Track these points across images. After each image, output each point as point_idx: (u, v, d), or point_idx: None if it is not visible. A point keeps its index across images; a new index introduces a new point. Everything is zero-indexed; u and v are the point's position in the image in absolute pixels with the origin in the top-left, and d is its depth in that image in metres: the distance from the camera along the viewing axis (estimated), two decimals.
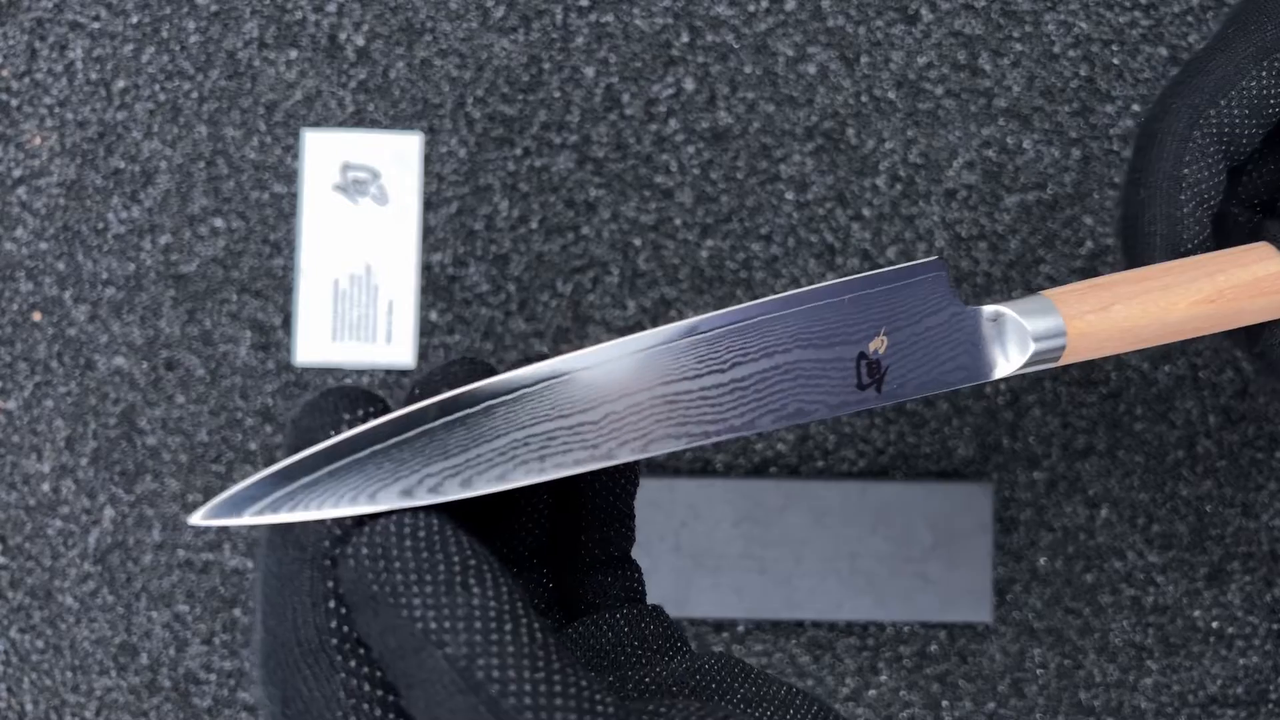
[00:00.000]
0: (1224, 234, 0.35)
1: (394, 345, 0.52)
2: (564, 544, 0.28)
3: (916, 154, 0.52)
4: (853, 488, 0.50)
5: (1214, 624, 0.52)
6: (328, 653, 0.22)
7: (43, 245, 0.52)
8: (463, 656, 0.20)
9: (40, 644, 0.51)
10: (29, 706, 0.51)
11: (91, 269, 0.52)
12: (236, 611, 0.51)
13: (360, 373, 0.52)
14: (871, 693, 0.52)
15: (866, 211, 0.52)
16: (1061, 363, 0.29)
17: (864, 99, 0.52)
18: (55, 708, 0.51)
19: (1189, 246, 0.33)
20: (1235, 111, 0.33)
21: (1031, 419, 0.52)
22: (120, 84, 0.52)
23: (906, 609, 0.50)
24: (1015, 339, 0.28)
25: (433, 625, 0.21)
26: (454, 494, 0.23)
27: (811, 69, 0.52)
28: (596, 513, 0.27)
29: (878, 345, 0.26)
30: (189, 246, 0.52)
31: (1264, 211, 0.36)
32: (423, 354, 0.52)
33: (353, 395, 0.24)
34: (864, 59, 0.52)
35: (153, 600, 0.51)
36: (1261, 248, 0.32)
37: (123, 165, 0.52)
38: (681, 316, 0.52)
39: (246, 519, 0.23)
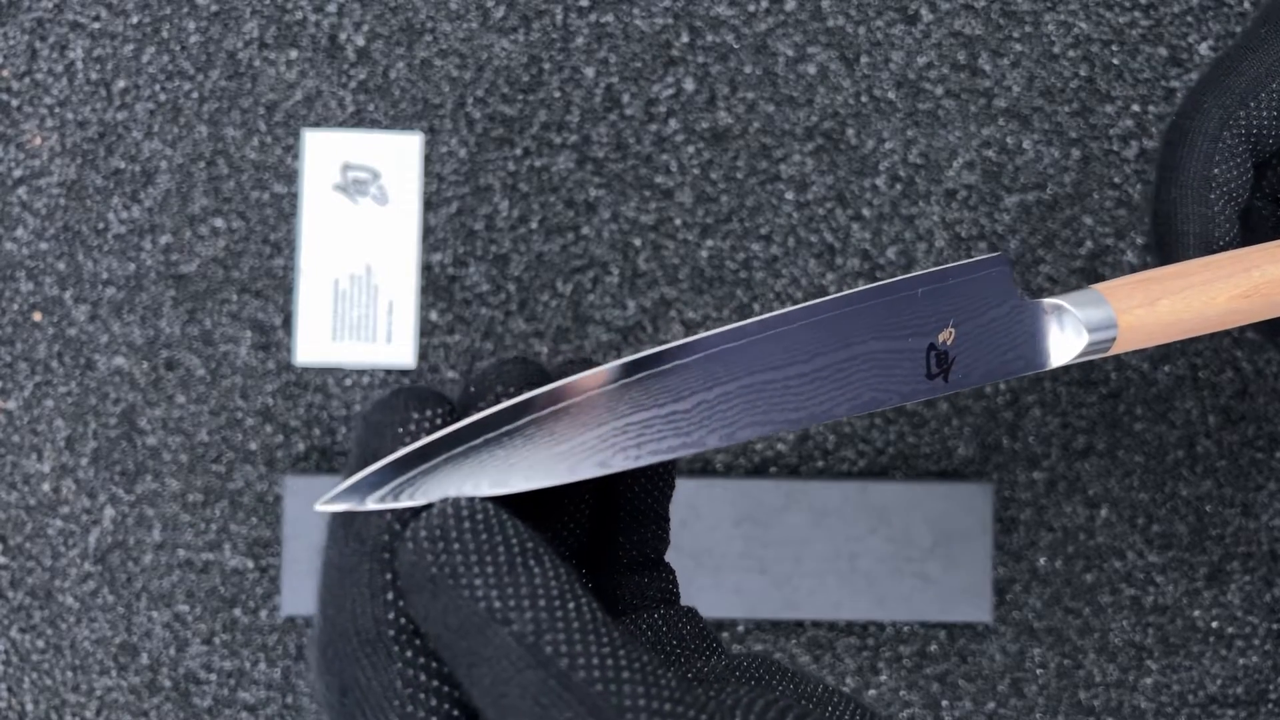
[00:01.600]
0: (1250, 228, 0.36)
1: (394, 345, 0.52)
2: (601, 546, 0.28)
3: (916, 154, 0.52)
4: (852, 488, 0.50)
5: (1214, 624, 0.52)
6: (385, 643, 0.22)
7: (43, 245, 0.52)
8: (529, 633, 0.21)
9: (41, 644, 0.51)
10: (29, 706, 0.51)
11: (92, 269, 0.52)
12: (237, 611, 0.51)
13: (360, 373, 0.52)
14: (871, 692, 0.52)
15: (866, 211, 0.52)
16: (1110, 353, 0.30)
17: (864, 99, 0.52)
18: (55, 707, 0.51)
19: (1221, 244, 0.34)
20: (1265, 113, 0.34)
21: (1031, 419, 0.52)
22: (120, 84, 0.52)
23: (906, 609, 0.50)
24: (1071, 331, 0.29)
25: (496, 604, 0.21)
26: (560, 479, 0.24)
27: (811, 69, 0.52)
28: (634, 515, 0.28)
29: (946, 336, 0.28)
30: (189, 246, 0.52)
31: None
32: (423, 354, 0.52)
33: (422, 395, 0.25)
34: (864, 59, 0.52)
35: (153, 600, 0.51)
36: None
37: (123, 165, 0.52)
38: (681, 317, 0.52)
39: (370, 505, 0.24)
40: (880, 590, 0.50)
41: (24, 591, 0.51)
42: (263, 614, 0.51)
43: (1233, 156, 0.34)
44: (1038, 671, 0.52)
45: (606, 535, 0.28)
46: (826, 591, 0.50)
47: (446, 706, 0.22)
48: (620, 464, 0.25)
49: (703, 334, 0.26)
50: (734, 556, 0.50)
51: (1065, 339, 0.29)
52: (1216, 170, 0.34)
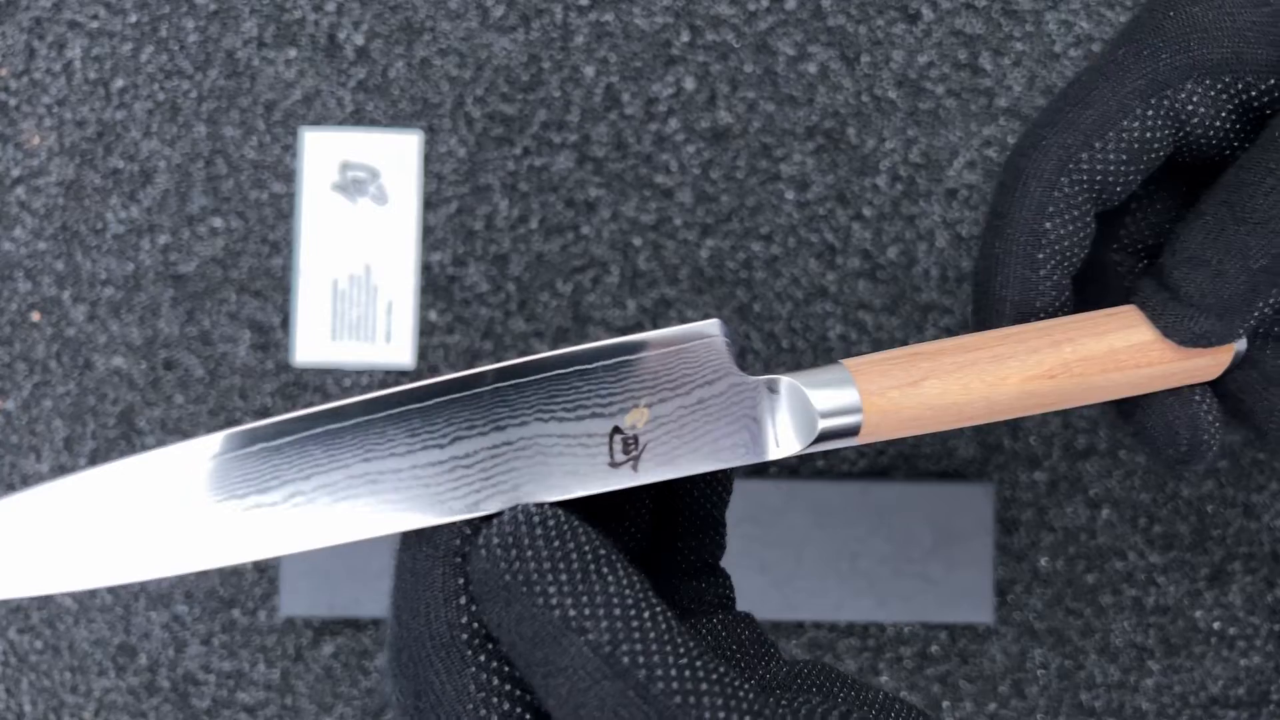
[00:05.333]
0: (1103, 285, 0.31)
1: (393, 345, 0.52)
2: (660, 551, 0.28)
3: (917, 153, 0.52)
4: (853, 488, 0.50)
5: (1215, 625, 0.52)
6: (459, 647, 0.22)
7: (41, 245, 0.52)
8: (605, 643, 0.21)
9: (39, 645, 0.51)
10: (27, 707, 0.51)
11: (90, 269, 0.52)
12: (235, 612, 0.51)
13: (360, 373, 0.52)
14: None
15: (867, 211, 0.52)
16: (861, 441, 0.26)
17: (865, 98, 0.52)
18: (54, 708, 0.51)
19: (1044, 314, 0.29)
20: (1111, 157, 0.28)
21: (1032, 419, 0.52)
22: (119, 83, 0.52)
23: (907, 610, 0.50)
24: (801, 416, 0.25)
25: (571, 612, 0.21)
26: (118, 581, 0.23)
27: (812, 68, 0.52)
28: (693, 520, 0.27)
29: (636, 418, 0.24)
30: (188, 246, 0.52)
31: (1149, 257, 0.31)
32: (422, 354, 0.52)
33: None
34: (865, 58, 0.52)
35: (151, 601, 0.51)
36: (1127, 312, 0.28)
37: (121, 165, 0.52)
38: (682, 316, 0.52)
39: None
40: (881, 591, 0.50)
41: None
42: (261, 615, 0.51)
43: (1070, 208, 0.28)
44: (1039, 672, 0.52)
45: (666, 541, 0.28)
46: (827, 592, 0.50)
47: (519, 710, 0.22)
48: (187, 569, 0.23)
49: (302, 411, 0.23)
50: (734, 557, 0.50)
51: (794, 425, 0.25)
52: (1048, 225, 0.28)
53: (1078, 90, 0.29)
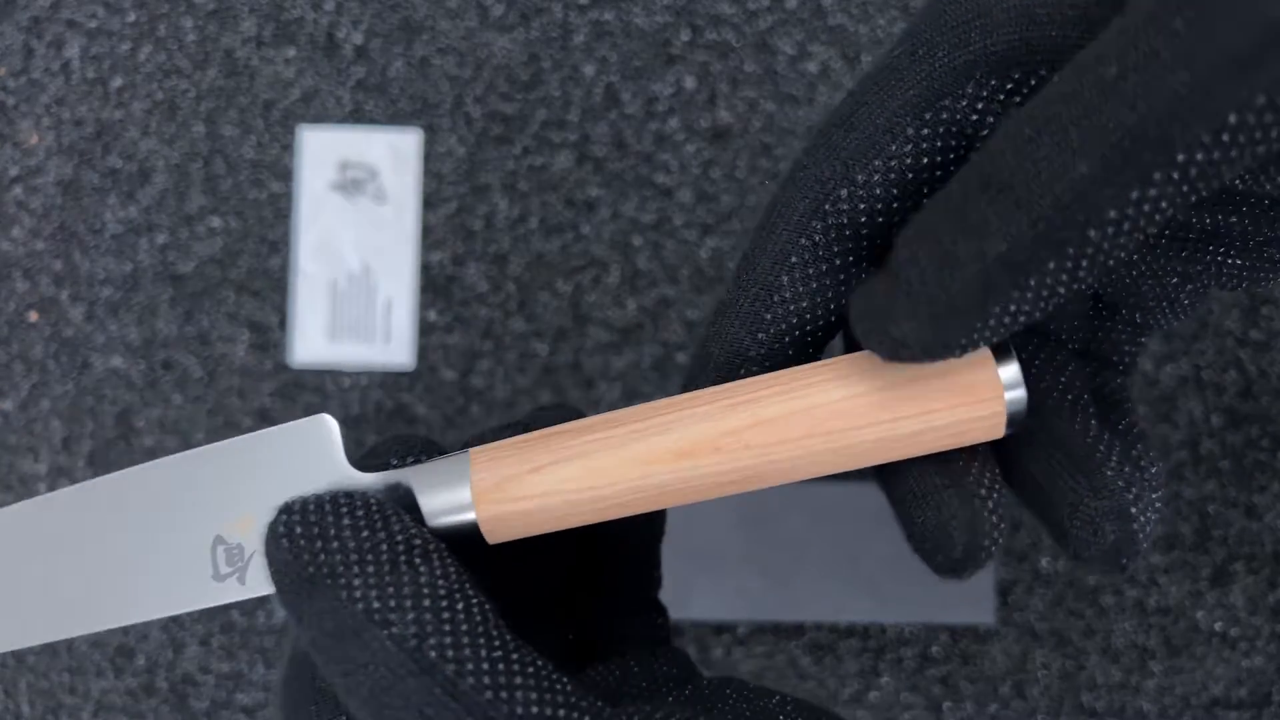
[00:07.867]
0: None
1: (392, 345, 0.52)
2: (587, 591, 0.26)
3: None
4: (854, 489, 0.50)
5: (1217, 626, 0.52)
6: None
7: (39, 245, 0.51)
8: (411, 636, 0.19)
9: (37, 646, 0.51)
10: (25, 709, 0.51)
11: (88, 268, 0.51)
12: (234, 614, 0.51)
13: (358, 373, 0.51)
14: (873, 695, 0.51)
15: None
16: (496, 540, 0.22)
17: None
18: (52, 710, 0.51)
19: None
20: (878, 192, 0.22)
21: None
22: (117, 82, 0.52)
23: (908, 610, 0.50)
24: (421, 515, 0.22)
25: (375, 604, 0.19)
26: None
27: (813, 67, 0.52)
28: (621, 559, 0.26)
29: (242, 527, 0.22)
30: (186, 246, 0.51)
31: None
32: (421, 354, 0.52)
33: (409, 442, 0.23)
34: (865, 57, 0.52)
35: None
36: (838, 363, 0.22)
37: (119, 164, 0.52)
38: (681, 317, 0.52)
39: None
40: (882, 592, 0.49)
41: None
42: (260, 616, 0.51)
43: (817, 260, 0.22)
44: (1040, 673, 0.51)
45: (593, 577, 0.26)
46: (828, 593, 0.49)
47: None
48: None
49: None
50: (735, 558, 0.50)
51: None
52: (785, 278, 0.22)
53: (847, 107, 0.22)
